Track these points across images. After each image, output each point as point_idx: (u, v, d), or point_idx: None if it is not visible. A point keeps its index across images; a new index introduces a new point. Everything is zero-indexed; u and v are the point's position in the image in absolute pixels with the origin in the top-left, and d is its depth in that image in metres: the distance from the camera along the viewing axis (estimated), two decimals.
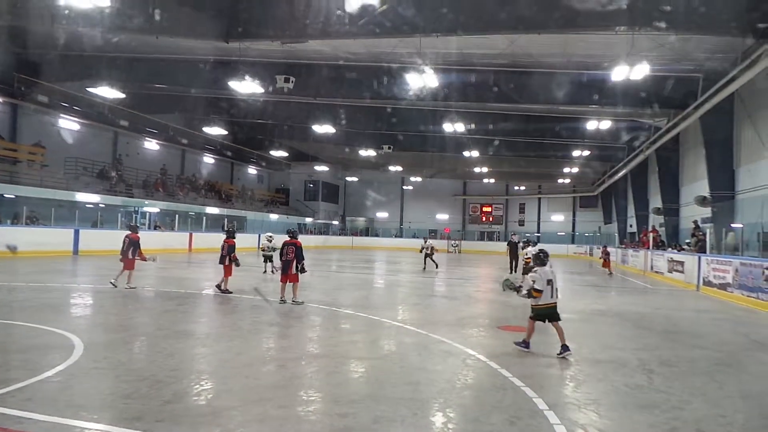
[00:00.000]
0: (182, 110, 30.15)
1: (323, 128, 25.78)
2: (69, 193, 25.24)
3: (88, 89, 21.63)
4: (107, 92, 20.32)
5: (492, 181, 48.36)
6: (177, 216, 31.68)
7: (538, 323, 6.87)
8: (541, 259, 7.00)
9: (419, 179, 50.64)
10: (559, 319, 6.86)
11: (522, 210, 52.17)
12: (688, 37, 14.59)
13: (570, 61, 17.32)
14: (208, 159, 41.64)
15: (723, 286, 14.17)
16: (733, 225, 16.59)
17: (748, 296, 12.70)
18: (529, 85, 18.87)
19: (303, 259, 10.35)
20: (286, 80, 18.02)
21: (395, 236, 49.96)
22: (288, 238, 10.50)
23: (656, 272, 21.13)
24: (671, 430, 4.33)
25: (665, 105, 19.44)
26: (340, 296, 12.40)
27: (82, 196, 25.90)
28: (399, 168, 42.52)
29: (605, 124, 22.53)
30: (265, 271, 16.52)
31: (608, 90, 17.94)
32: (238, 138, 37.44)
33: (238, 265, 11.68)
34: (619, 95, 18.08)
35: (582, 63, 17.43)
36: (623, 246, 31.28)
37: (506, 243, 23.71)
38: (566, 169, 37.15)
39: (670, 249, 21.32)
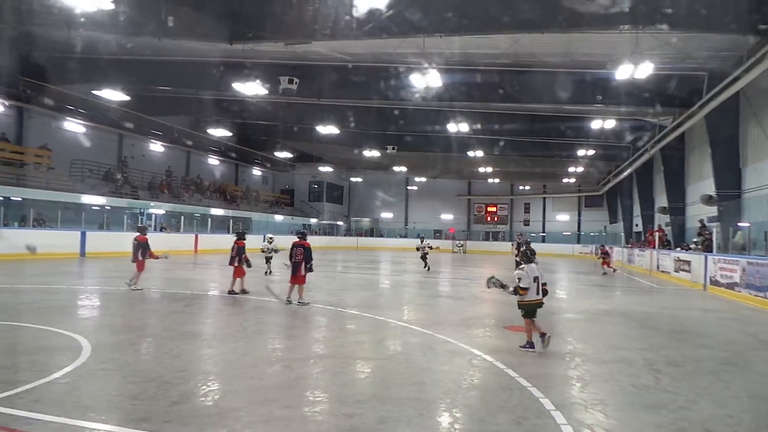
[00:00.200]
0: (187, 112, 30.27)
1: (327, 129, 25.85)
2: (75, 196, 25.38)
3: (93, 92, 21.76)
4: (112, 95, 20.49)
5: (497, 181, 48.27)
6: (182, 217, 31.80)
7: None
8: (528, 256, 7.06)
9: (424, 179, 50.63)
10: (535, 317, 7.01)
11: (527, 210, 52.05)
12: (692, 35, 14.53)
13: (573, 61, 17.28)
14: (213, 160, 41.78)
15: (730, 286, 14.10)
16: (739, 224, 16.51)
17: (755, 296, 12.62)
18: (532, 84, 18.83)
19: (311, 260, 10.39)
20: (290, 81, 18.07)
21: (400, 237, 49.93)
22: (297, 239, 10.52)
23: (662, 272, 21.04)
24: (678, 431, 4.31)
25: (670, 104, 19.36)
26: (346, 297, 12.41)
27: (88, 199, 26.04)
28: (403, 168, 42.53)
29: (610, 124, 22.46)
30: (266, 273, 16.54)
31: (612, 89, 17.89)
32: (242, 139, 37.57)
33: (249, 266, 11.86)
34: (624, 94, 18.02)
35: (585, 62, 17.39)
36: (629, 245, 31.16)
37: (510, 243, 23.63)
38: (571, 169, 37.04)
39: (678, 249, 21.23)
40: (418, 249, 21.52)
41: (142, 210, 31.62)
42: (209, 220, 34.02)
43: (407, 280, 17.43)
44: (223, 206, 37.88)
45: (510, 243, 38.40)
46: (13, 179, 22.66)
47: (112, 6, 11.68)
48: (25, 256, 18.56)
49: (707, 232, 18.07)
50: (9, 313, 8.67)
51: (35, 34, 16.60)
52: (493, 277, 7.36)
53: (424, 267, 20.94)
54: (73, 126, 27.91)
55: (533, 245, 16.23)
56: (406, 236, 49.40)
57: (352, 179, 53.40)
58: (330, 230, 51.39)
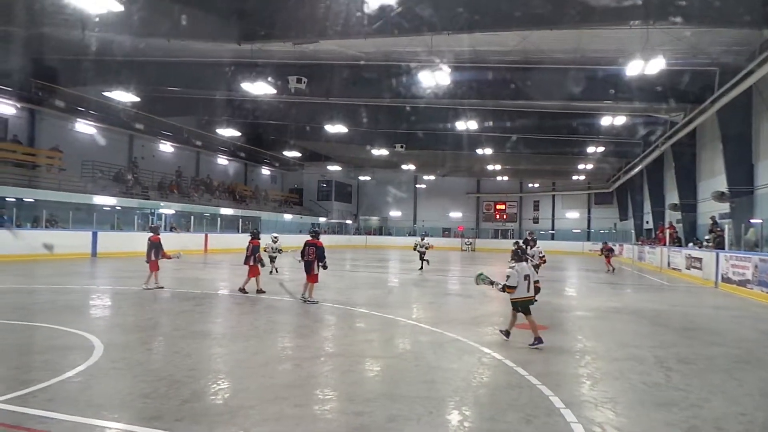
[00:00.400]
0: (196, 113, 30.45)
1: (336, 128, 25.87)
2: (86, 196, 25.61)
3: (103, 93, 21.93)
4: (122, 96, 20.65)
5: (506, 178, 48.04)
6: (192, 217, 32.00)
7: (547, 319, 6.86)
8: (519, 255, 7.24)
9: (432, 178, 50.51)
10: (530, 313, 7.14)
11: (536, 207, 51.79)
12: (704, 30, 14.36)
13: (583, 57, 17.14)
14: (222, 160, 41.99)
15: (742, 283, 13.95)
16: (752, 220, 16.32)
17: None
18: (542, 81, 18.69)
19: (324, 258, 10.42)
20: (299, 81, 18.11)
21: (409, 235, 49.89)
22: (310, 238, 10.56)
23: (673, 269, 20.86)
24: (690, 429, 4.28)
25: (681, 99, 19.16)
26: (355, 295, 12.45)
27: (99, 199, 26.27)
28: (412, 167, 42.45)
29: (620, 120, 22.24)
30: (271, 272, 16.57)
31: (623, 85, 17.70)
32: (251, 139, 37.73)
33: (263, 265, 12.09)
34: (634, 90, 17.84)
35: (595, 58, 17.24)
36: (639, 243, 30.93)
37: (522, 241, 23.38)
38: (581, 166, 36.80)
39: (690, 245, 21.04)
40: (415, 248, 20.51)
41: (152, 210, 31.85)
42: (219, 219, 34.20)
43: (416, 278, 17.42)
44: (232, 206, 38.06)
45: (519, 241, 38.21)
46: (25, 181, 22.92)
47: (121, 8, 11.76)
48: (39, 256, 18.87)
49: (719, 229, 17.89)
50: (23, 313, 8.79)
51: (46, 37, 16.77)
52: (481, 274, 7.52)
53: (420, 268, 19.94)
54: (84, 127, 28.15)
55: (540, 242, 16.09)
56: (414, 234, 49.35)
57: (361, 178, 53.41)
58: (339, 229, 51.48)
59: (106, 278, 15.34)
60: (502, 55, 17.28)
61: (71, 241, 21.48)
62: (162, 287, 12.13)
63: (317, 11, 14.44)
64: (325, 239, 10.93)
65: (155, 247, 12.17)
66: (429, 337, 7.61)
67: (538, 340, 6.96)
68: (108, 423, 4.06)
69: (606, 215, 46.74)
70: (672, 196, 26.94)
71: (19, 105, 24.56)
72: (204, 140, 35.74)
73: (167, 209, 32.57)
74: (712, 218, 19.13)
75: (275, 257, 16.77)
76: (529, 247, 14.44)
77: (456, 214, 53.75)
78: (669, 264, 21.68)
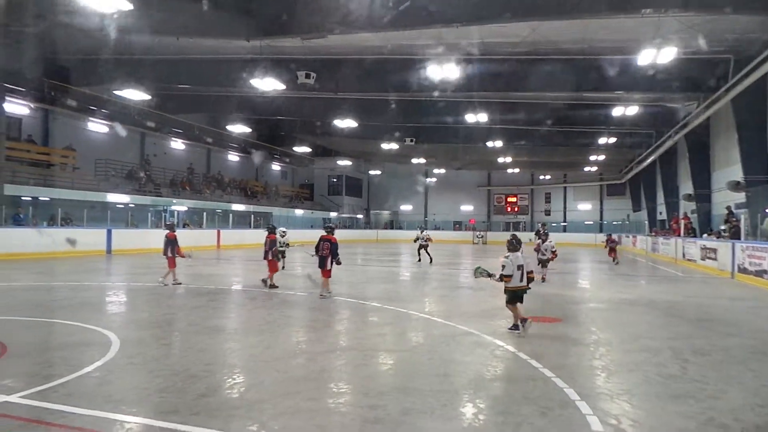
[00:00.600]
0: (206, 109, 30.60)
1: (345, 123, 25.88)
2: (100, 195, 25.92)
3: (115, 92, 22.12)
4: (134, 94, 20.82)
5: (516, 171, 47.76)
6: (204, 213, 32.24)
7: (556, 314, 6.84)
8: (514, 245, 7.40)
9: (443, 171, 50.34)
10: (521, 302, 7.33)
11: (548, 199, 51.47)
12: (717, 17, 14.11)
13: (593, 47, 16.95)
14: (233, 157, 42.20)
15: (759, 273, 13.77)
16: None
17: None
18: (552, 72, 18.50)
19: (338, 255, 10.46)
20: (307, 76, 18.11)
21: (420, 228, 49.85)
22: (324, 233, 10.60)
23: (688, 260, 20.65)
24: (707, 420, 4.24)
25: (695, 88, 18.91)
26: (367, 289, 12.47)
27: (112, 197, 26.58)
28: (422, 160, 42.36)
29: (632, 111, 21.97)
30: (283, 267, 16.61)
31: (635, 75, 17.46)
32: (261, 135, 37.83)
33: (278, 259, 12.46)
34: (647, 80, 17.59)
35: (606, 48, 17.03)
36: (653, 234, 30.63)
37: (534, 233, 23.21)
38: (593, 157, 36.46)
39: (705, 236, 20.79)
40: (416, 240, 20.45)
41: (165, 207, 32.13)
42: (231, 215, 34.41)
43: (427, 271, 17.42)
44: (243, 202, 38.27)
45: (533, 233, 38.05)
46: (40, 180, 23.24)
47: (131, 7, 11.84)
48: (56, 254, 19.22)
49: (735, 219, 17.66)
50: (42, 310, 8.93)
51: (58, 38, 16.94)
52: (479, 267, 7.58)
53: (418, 260, 20.14)
54: (97, 126, 28.48)
55: (552, 234, 16.03)
56: (426, 228, 49.24)
57: (371, 172, 53.39)
58: (350, 223, 51.56)
59: (121, 275, 15.52)
60: (512, 47, 17.14)
61: (86, 238, 21.76)
62: (180, 283, 12.29)
63: (326, 6, 14.42)
64: (336, 234, 10.93)
65: (171, 243, 12.37)
66: (442, 330, 7.61)
67: (516, 327, 7.23)
68: (126, 417, 4.12)
69: (619, 206, 46.30)
70: (686, 187, 26.63)
71: (32, 105, 24.88)
72: (215, 137, 35.99)
73: (180, 206, 32.85)
74: (728, 208, 18.88)
75: (284, 251, 16.79)
76: (541, 242, 14.33)
77: (467, 208, 53.59)
78: (684, 255, 21.45)
